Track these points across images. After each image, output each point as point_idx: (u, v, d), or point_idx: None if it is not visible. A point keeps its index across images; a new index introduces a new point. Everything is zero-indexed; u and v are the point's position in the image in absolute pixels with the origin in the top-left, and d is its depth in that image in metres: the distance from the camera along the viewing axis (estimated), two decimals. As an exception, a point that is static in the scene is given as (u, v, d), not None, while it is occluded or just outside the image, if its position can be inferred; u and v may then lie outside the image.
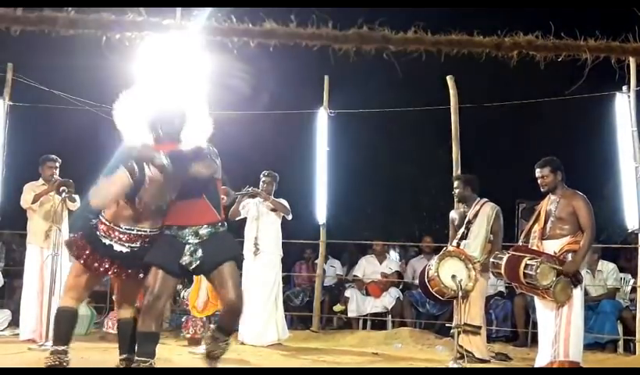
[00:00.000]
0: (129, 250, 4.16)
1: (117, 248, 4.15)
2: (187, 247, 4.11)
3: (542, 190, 5.59)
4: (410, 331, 8.01)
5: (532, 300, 7.29)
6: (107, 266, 4.17)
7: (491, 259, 5.72)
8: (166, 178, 4.03)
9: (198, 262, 4.11)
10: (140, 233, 4.18)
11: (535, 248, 5.50)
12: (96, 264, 4.16)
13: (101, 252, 4.16)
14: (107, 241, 4.16)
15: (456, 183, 6.80)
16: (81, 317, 5.26)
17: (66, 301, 4.31)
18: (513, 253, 5.48)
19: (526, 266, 5.26)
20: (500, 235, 6.51)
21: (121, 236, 4.15)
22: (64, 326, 4.27)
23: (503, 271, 5.48)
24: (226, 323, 4.31)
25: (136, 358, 4.08)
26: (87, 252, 4.17)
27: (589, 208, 5.36)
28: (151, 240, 4.21)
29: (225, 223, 4.34)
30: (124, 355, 4.34)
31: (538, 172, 5.57)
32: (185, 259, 4.10)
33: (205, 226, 4.14)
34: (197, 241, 4.12)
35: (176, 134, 4.17)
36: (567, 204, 5.41)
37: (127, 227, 4.16)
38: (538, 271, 5.16)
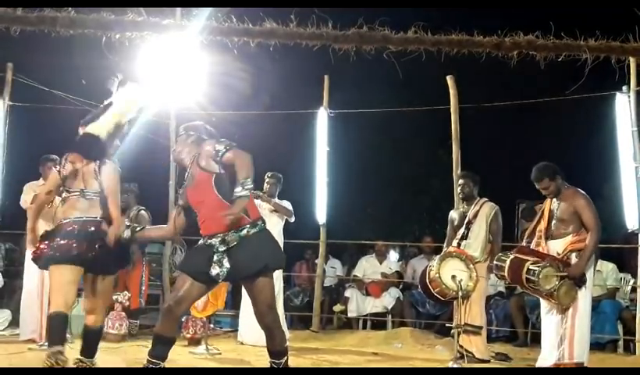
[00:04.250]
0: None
1: None
2: (216, 256, 3.97)
3: (548, 198, 5.50)
4: (411, 331, 8.00)
5: (529, 300, 7.31)
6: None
7: (494, 261, 5.64)
8: None
9: (225, 273, 3.98)
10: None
11: (539, 248, 5.43)
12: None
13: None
14: None
15: (463, 181, 6.65)
16: (79, 317, 5.26)
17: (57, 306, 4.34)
18: (517, 255, 5.40)
19: (528, 270, 5.20)
20: (499, 235, 6.47)
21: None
22: (58, 328, 4.31)
23: (506, 274, 5.43)
24: (270, 345, 4.07)
25: (147, 358, 4.07)
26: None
27: (592, 207, 5.29)
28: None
29: (259, 223, 4.11)
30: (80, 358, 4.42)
31: (537, 185, 5.48)
32: (213, 271, 3.97)
33: (232, 232, 3.99)
34: (224, 248, 3.98)
35: None
36: (568, 204, 5.35)
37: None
38: (540, 276, 5.11)
